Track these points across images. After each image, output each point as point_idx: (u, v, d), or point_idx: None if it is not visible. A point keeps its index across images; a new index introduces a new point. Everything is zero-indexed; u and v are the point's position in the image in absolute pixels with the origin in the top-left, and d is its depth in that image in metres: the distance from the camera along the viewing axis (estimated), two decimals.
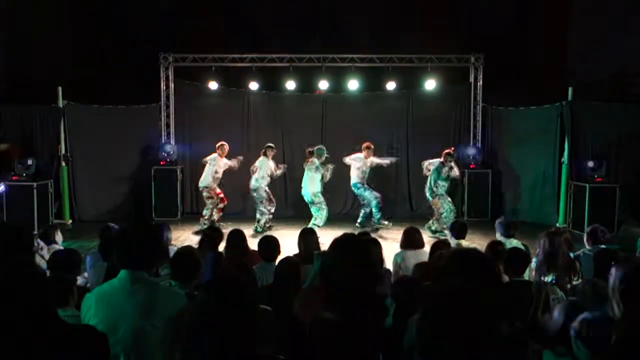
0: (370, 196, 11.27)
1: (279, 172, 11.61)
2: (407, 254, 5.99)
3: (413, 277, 4.71)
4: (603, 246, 5.60)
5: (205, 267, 5.05)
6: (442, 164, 10.86)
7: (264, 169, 11.29)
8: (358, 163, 11.29)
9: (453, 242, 6.57)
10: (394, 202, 13.25)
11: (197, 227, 11.35)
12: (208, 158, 11.45)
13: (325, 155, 10.94)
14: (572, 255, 5.68)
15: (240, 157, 11.73)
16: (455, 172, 11.14)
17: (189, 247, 4.61)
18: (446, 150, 10.97)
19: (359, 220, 11.66)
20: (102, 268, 4.56)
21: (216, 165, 11.37)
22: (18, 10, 12.57)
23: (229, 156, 11.60)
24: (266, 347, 2.61)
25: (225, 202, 11.62)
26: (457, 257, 2.94)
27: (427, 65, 12.78)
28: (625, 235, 9.53)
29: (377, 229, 11.03)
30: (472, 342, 1.73)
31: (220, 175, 11.49)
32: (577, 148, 11.95)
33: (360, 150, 11.43)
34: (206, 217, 11.33)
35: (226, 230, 6.32)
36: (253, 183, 11.28)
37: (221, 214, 11.57)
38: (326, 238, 9.37)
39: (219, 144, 11.51)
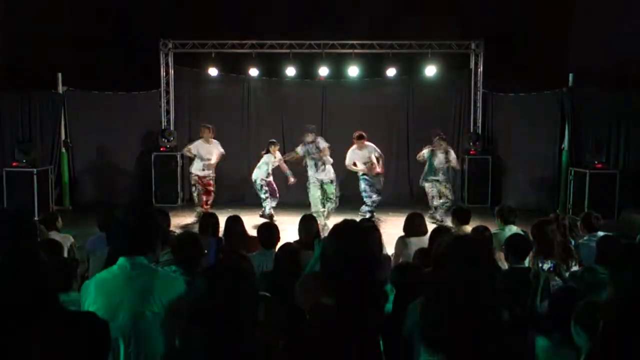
0: (367, 194, 10.79)
1: (281, 157, 11.12)
2: (409, 240, 5.96)
3: (413, 263, 4.72)
4: (602, 233, 5.59)
5: (208, 253, 5.06)
6: (433, 150, 10.75)
7: (267, 163, 10.89)
8: (357, 156, 10.72)
9: (456, 227, 6.56)
10: (394, 189, 13.21)
11: (194, 215, 11.04)
12: (191, 147, 11.05)
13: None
14: (572, 242, 5.69)
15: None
16: (453, 162, 10.80)
17: (192, 234, 4.59)
18: (436, 137, 10.82)
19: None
20: (103, 254, 4.57)
21: (201, 151, 10.94)
22: None
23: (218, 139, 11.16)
24: (266, 333, 2.63)
25: (212, 196, 11.16)
26: (456, 244, 2.95)
27: (427, 51, 12.69)
28: (625, 221, 9.56)
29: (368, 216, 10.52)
30: (473, 327, 1.74)
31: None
32: (577, 134, 11.94)
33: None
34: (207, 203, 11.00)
35: (224, 217, 6.19)
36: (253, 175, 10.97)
37: (208, 204, 11.02)
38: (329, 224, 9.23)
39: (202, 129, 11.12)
